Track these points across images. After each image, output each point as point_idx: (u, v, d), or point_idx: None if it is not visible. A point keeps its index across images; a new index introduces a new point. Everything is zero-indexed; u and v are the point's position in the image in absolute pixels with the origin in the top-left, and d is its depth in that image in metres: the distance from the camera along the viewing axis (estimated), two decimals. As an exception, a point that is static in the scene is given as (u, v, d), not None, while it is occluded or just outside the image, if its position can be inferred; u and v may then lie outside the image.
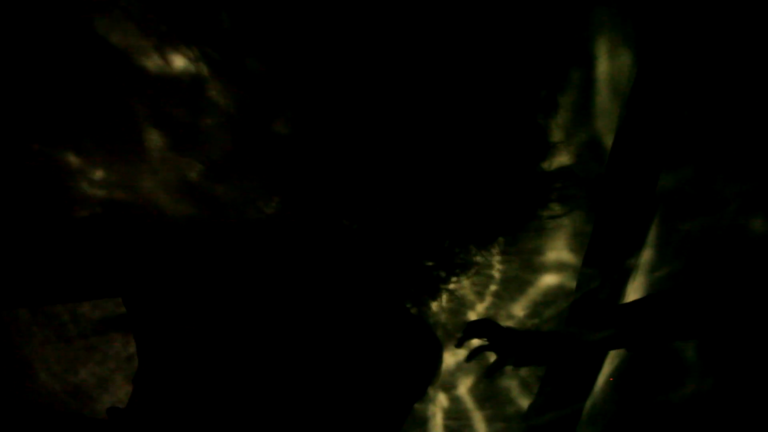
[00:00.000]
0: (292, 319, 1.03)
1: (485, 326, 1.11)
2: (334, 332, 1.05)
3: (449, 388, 1.61)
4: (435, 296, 1.52)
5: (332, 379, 1.02)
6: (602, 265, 1.59)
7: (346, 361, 1.04)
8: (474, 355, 1.12)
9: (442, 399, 1.60)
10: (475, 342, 1.14)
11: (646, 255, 1.57)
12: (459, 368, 1.59)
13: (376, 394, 1.06)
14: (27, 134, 1.36)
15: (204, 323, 0.98)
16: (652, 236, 1.58)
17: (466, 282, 1.52)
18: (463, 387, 1.61)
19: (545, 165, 1.43)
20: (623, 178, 1.53)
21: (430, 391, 1.41)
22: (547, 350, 1.11)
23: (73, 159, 1.37)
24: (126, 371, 1.57)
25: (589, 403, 1.45)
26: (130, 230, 1.39)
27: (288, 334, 1.01)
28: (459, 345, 1.14)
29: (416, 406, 1.26)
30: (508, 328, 1.11)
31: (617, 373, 1.43)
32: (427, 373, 1.13)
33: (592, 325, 1.09)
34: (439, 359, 1.17)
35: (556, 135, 1.41)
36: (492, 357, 1.11)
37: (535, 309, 1.55)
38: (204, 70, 1.33)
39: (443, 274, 1.45)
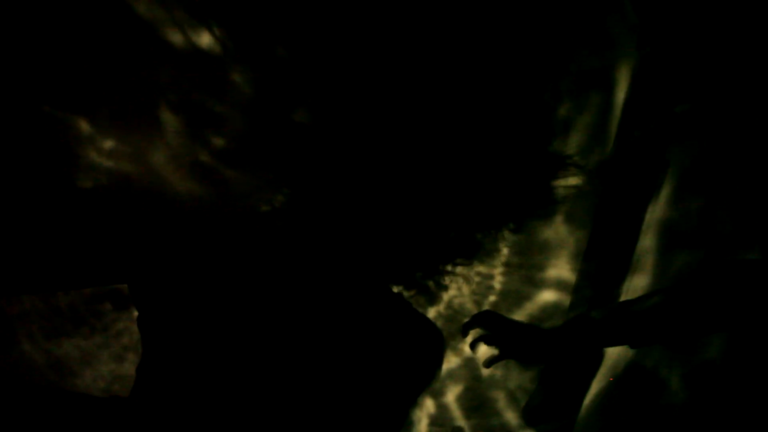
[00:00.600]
0: (293, 313, 1.02)
1: (489, 318, 1.11)
2: (336, 327, 1.04)
3: (437, 394, 1.61)
4: (438, 291, 1.52)
5: (332, 375, 1.01)
6: (593, 288, 1.61)
7: (347, 357, 1.03)
8: (475, 344, 1.13)
9: (429, 405, 1.61)
10: (475, 334, 1.14)
11: (642, 281, 1.60)
12: (449, 375, 1.60)
13: (376, 392, 1.05)
14: (38, 95, 1.33)
15: (208, 315, 0.96)
16: (649, 264, 1.60)
17: (466, 290, 1.53)
18: (451, 395, 1.61)
19: (556, 180, 1.45)
20: (615, 201, 1.55)
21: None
22: (549, 342, 1.11)
23: (83, 125, 1.34)
24: (113, 348, 1.53)
25: (578, 417, 1.46)
26: (136, 211, 1.37)
27: (288, 328, 1.00)
28: (464, 334, 1.15)
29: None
30: (512, 320, 1.12)
31: (615, 375, 1.45)
32: (429, 373, 1.12)
33: (595, 321, 1.10)
34: (440, 360, 1.17)
35: (570, 153, 1.43)
36: (493, 349, 1.11)
37: (531, 322, 1.56)
38: (230, 51, 1.32)
39: (449, 265, 1.46)
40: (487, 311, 1.15)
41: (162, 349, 0.97)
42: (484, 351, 1.13)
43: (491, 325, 1.11)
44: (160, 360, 0.96)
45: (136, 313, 1.54)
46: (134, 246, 1.04)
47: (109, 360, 1.55)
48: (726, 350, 1.31)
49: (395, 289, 1.41)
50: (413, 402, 1.13)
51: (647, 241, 1.61)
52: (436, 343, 1.15)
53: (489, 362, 1.11)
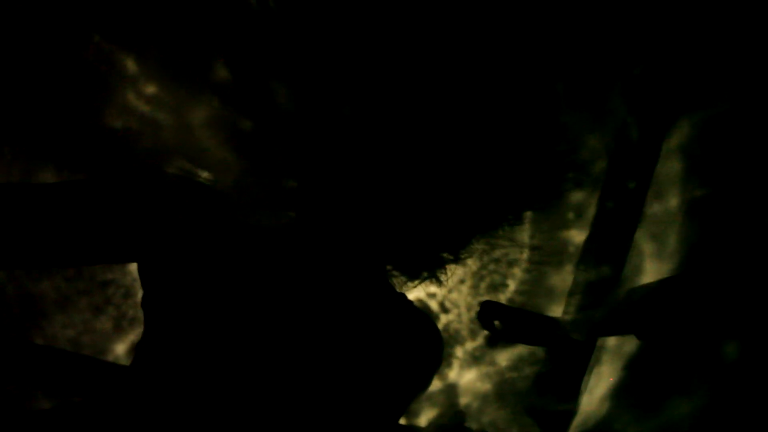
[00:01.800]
0: (298, 310, 0.99)
1: (494, 308, 1.14)
2: (338, 322, 1.03)
3: (411, 414, 1.60)
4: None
5: (332, 374, 0.99)
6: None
7: (348, 357, 1.01)
8: (491, 327, 1.16)
9: (401, 424, 1.59)
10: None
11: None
12: (427, 397, 1.59)
13: (376, 392, 1.03)
14: (91, 24, 1.27)
15: (213, 303, 0.92)
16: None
17: (465, 317, 1.54)
18: (424, 418, 1.60)
19: (573, 232, 1.50)
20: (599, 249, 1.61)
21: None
22: (550, 332, 1.15)
23: (130, 64, 1.29)
24: (94, 298, 1.45)
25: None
26: (161, 167, 1.31)
27: (292, 324, 0.97)
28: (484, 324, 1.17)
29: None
30: (517, 309, 1.16)
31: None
32: (422, 384, 1.12)
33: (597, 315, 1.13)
34: (434, 372, 1.17)
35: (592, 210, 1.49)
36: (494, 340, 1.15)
37: (517, 364, 1.59)
38: (300, 31, 1.31)
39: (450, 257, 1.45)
40: (488, 302, 1.18)
41: (165, 331, 0.91)
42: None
43: (499, 311, 1.14)
44: (161, 341, 0.90)
45: (130, 267, 1.47)
46: (150, 211, 0.97)
47: (86, 309, 1.46)
48: (693, 414, 1.37)
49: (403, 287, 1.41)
50: (401, 409, 1.12)
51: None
52: (434, 354, 1.15)
53: (492, 341, 1.14)
